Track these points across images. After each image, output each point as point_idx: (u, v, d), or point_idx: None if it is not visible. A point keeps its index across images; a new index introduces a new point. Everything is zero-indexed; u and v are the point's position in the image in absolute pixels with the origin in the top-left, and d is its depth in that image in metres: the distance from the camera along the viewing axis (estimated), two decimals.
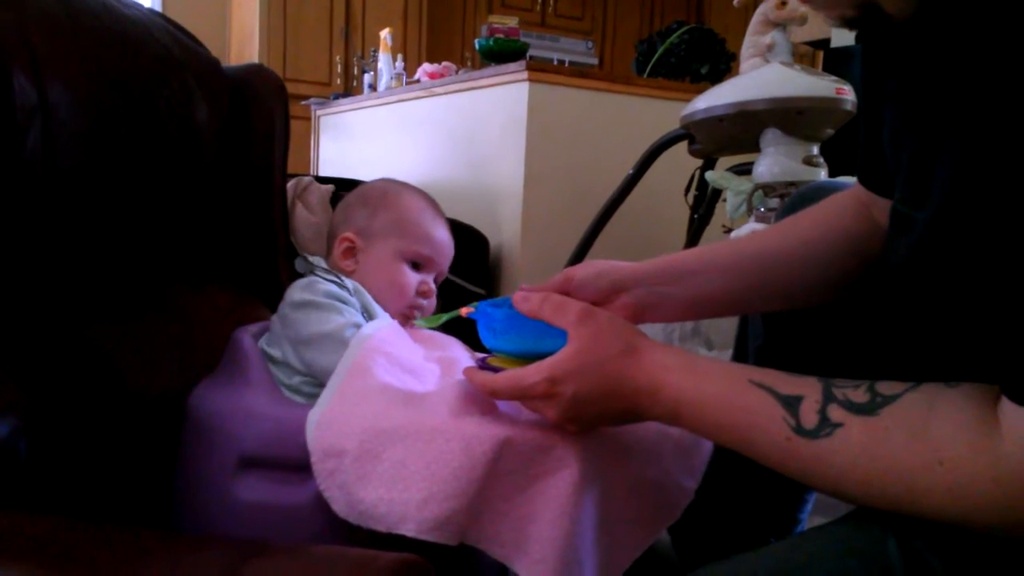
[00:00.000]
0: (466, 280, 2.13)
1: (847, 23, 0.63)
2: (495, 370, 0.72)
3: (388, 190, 1.03)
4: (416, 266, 0.98)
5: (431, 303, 0.99)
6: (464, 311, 0.77)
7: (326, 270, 0.95)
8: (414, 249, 0.97)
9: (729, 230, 1.75)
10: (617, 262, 0.85)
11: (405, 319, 0.97)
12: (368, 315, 0.91)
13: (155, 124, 0.97)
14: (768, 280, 0.84)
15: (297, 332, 0.86)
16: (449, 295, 2.20)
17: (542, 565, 0.68)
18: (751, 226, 1.58)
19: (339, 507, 0.71)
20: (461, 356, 0.92)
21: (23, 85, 0.81)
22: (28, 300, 0.85)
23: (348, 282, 0.93)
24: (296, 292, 0.90)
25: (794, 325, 0.96)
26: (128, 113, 0.93)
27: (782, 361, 0.70)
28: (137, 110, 0.95)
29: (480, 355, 0.82)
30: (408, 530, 0.67)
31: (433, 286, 1.00)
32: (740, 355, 1.05)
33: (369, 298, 0.93)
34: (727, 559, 0.60)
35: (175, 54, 1.04)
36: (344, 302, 0.89)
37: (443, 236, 1.01)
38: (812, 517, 1.06)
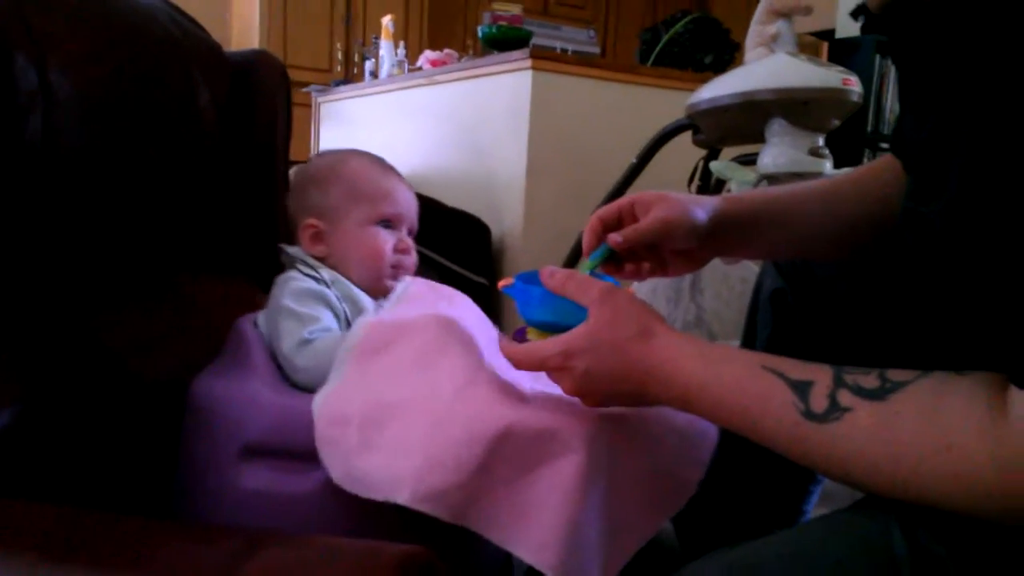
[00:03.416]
0: (468, 269, 2.13)
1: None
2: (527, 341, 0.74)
3: (332, 161, 1.02)
4: (387, 225, 0.97)
5: (412, 259, 0.98)
6: (501, 284, 0.78)
7: (304, 262, 0.95)
8: (378, 211, 0.96)
9: None
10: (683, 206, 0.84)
11: (390, 282, 0.96)
12: (350, 303, 0.91)
13: (156, 108, 0.96)
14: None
15: (274, 342, 0.87)
16: (451, 284, 2.19)
17: (545, 550, 0.67)
18: None
19: (337, 473, 0.71)
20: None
21: (24, 68, 0.80)
22: (28, 287, 0.84)
23: (325, 273, 0.93)
24: (275, 293, 0.90)
25: (803, 315, 0.96)
26: (129, 97, 0.92)
27: (790, 351, 0.70)
28: (138, 94, 0.94)
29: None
30: (403, 498, 0.67)
31: (410, 241, 0.99)
32: (748, 344, 1.05)
33: (348, 284, 0.93)
34: (732, 547, 0.60)
35: (177, 38, 1.03)
36: (322, 298, 0.89)
37: (401, 189, 0.99)
38: (817, 509, 1.06)
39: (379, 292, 0.95)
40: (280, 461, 0.76)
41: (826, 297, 0.93)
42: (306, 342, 0.84)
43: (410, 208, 1.00)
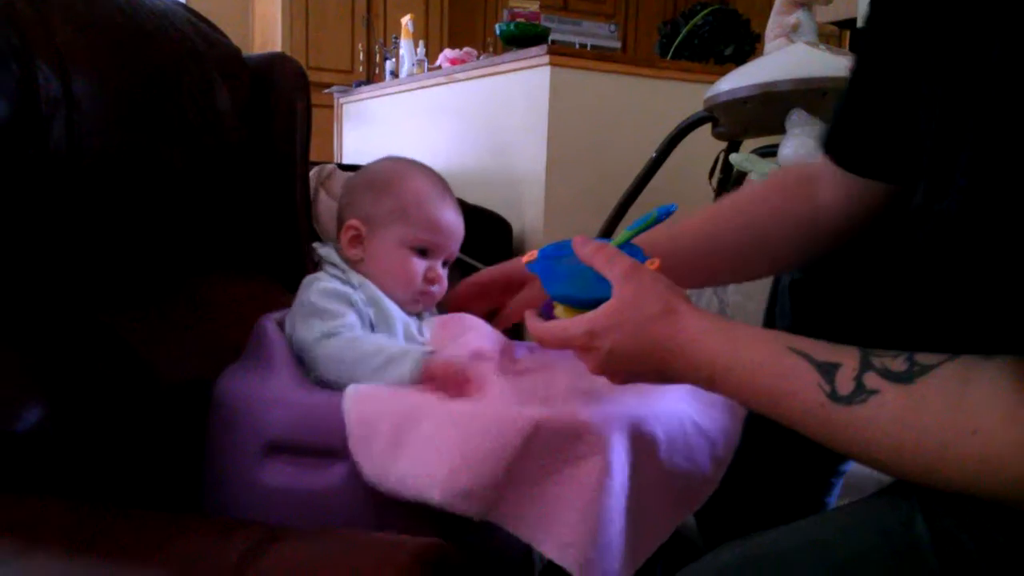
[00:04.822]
0: (489, 266, 2.13)
1: None
2: (554, 317, 0.75)
3: (393, 172, 0.99)
4: (423, 252, 0.95)
5: (441, 287, 0.97)
6: (525, 259, 0.78)
7: (333, 263, 0.95)
8: (420, 237, 0.95)
9: None
10: None
11: (414, 304, 0.97)
12: (376, 308, 0.91)
13: (177, 113, 0.98)
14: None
15: (296, 335, 0.87)
16: None
17: (571, 549, 0.68)
18: None
19: (368, 472, 0.73)
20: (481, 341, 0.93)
21: (47, 77, 0.82)
22: (53, 288, 0.86)
23: (354, 277, 0.93)
24: (300, 294, 0.90)
25: (821, 305, 0.95)
26: (150, 103, 0.94)
27: None
28: (159, 100, 0.95)
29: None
30: (433, 498, 0.69)
31: (441, 271, 0.97)
32: None
33: (375, 290, 0.92)
34: (752, 535, 0.60)
35: (196, 44, 1.05)
36: (347, 299, 0.89)
37: (450, 219, 0.97)
38: (840, 501, 1.05)
39: (407, 308, 0.95)
40: (301, 457, 0.77)
41: (844, 287, 0.93)
42: (330, 335, 0.84)
43: (453, 239, 0.98)
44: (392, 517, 0.72)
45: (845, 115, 0.79)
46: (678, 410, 0.81)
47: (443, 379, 0.80)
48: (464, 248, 1.09)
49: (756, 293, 1.78)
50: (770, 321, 1.04)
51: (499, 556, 0.85)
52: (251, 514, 0.77)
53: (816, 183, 0.85)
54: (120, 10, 0.94)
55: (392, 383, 0.80)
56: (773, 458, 0.99)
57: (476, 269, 2.08)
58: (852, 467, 1.05)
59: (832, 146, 0.81)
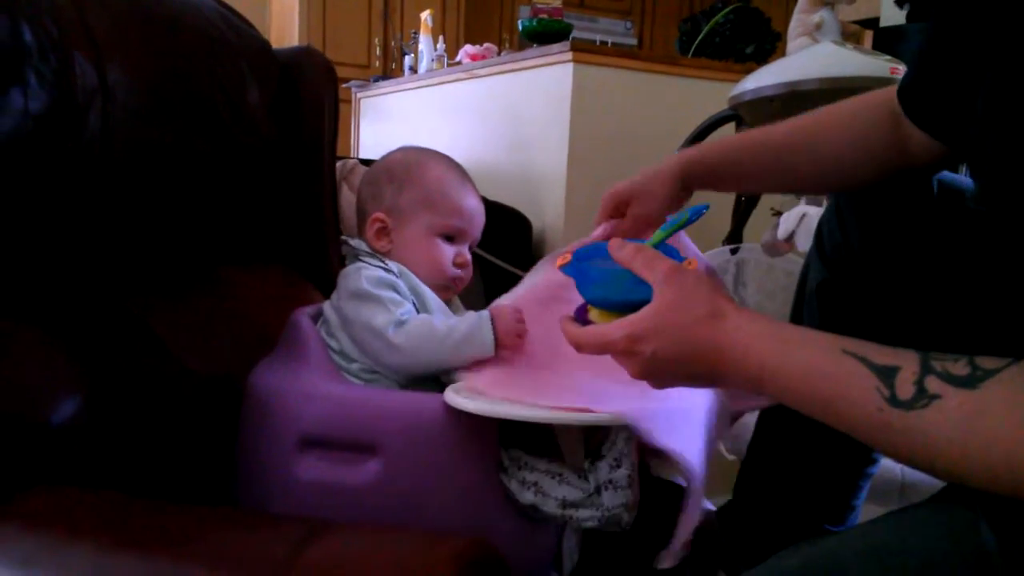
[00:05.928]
0: (509, 263, 2.13)
1: None
2: (589, 321, 0.74)
3: (412, 162, 1.00)
4: (449, 239, 0.97)
5: (468, 272, 0.98)
6: (560, 262, 0.77)
7: (370, 254, 0.95)
8: (446, 223, 0.96)
9: (778, 213, 1.72)
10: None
11: (445, 291, 0.97)
12: (415, 294, 0.92)
13: (208, 105, 0.98)
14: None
15: (350, 322, 0.87)
16: (491, 277, 2.20)
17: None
18: (801, 209, 1.55)
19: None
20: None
21: (84, 68, 0.82)
22: (86, 280, 0.86)
23: (393, 265, 0.93)
24: (348, 282, 0.90)
25: (850, 307, 0.94)
26: (183, 94, 0.94)
27: None
28: (191, 91, 0.95)
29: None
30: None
31: (468, 256, 0.99)
32: None
33: (414, 278, 0.93)
34: (807, 542, 0.59)
35: (227, 36, 1.05)
36: (394, 287, 0.89)
37: (473, 204, 0.99)
38: (867, 505, 1.05)
39: (437, 295, 0.96)
40: (336, 452, 0.77)
41: (874, 289, 0.92)
42: (400, 322, 0.85)
43: (476, 224, 1.00)
44: (425, 515, 0.72)
45: (920, 73, 0.78)
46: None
47: (506, 324, 0.86)
48: (484, 244, 1.10)
49: (778, 293, 1.78)
50: (797, 322, 1.04)
51: (530, 556, 0.85)
52: (285, 508, 0.77)
53: (903, 121, 0.84)
54: (155, 2, 0.94)
55: (476, 351, 0.85)
56: (800, 460, 0.99)
57: (493, 265, 2.08)
58: (879, 470, 1.04)
59: (906, 97, 0.81)
